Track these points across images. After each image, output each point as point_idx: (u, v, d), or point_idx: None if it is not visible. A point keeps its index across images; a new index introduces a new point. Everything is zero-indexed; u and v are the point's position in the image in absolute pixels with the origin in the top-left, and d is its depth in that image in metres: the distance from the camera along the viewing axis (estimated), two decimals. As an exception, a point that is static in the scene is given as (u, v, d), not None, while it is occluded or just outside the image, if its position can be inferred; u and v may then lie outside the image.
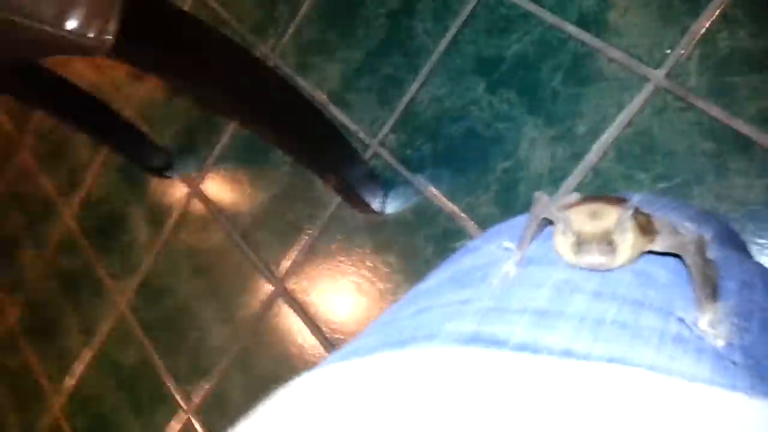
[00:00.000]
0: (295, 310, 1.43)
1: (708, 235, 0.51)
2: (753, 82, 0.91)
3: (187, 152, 1.70)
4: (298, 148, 1.18)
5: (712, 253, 0.39)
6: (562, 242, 0.39)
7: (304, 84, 1.49)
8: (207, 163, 1.65)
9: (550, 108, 1.11)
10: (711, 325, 0.32)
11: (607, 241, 0.36)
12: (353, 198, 1.29)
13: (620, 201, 0.39)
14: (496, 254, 0.44)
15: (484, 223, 1.16)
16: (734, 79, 0.93)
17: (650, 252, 0.38)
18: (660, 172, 0.98)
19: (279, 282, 1.47)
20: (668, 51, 1.00)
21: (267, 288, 1.49)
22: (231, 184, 1.61)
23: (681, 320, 0.34)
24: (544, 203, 0.45)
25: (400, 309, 0.44)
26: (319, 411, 0.31)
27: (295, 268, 1.44)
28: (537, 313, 0.36)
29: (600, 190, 1.04)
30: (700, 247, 0.36)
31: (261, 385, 1.44)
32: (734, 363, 0.31)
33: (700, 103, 0.95)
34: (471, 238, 1.17)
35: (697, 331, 0.32)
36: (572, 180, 1.07)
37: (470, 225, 1.18)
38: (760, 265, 0.45)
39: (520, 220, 0.53)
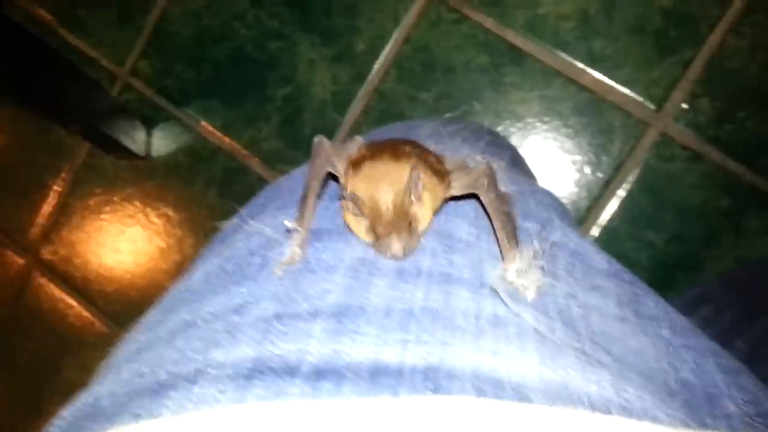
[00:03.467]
0: (57, 284, 1.19)
1: (502, 163, 0.47)
2: (521, -9, 0.89)
3: None
4: (18, 90, 0.91)
5: (506, 186, 0.37)
6: (354, 223, 0.34)
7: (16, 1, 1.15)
8: None
9: (324, 23, 0.99)
10: (519, 274, 0.30)
11: (404, 226, 0.31)
12: (106, 142, 1.06)
13: (407, 147, 0.35)
14: (274, 231, 0.36)
15: (271, 159, 1.04)
16: (504, -11, 0.90)
17: (450, 199, 0.35)
18: (442, 90, 0.95)
19: (30, 252, 1.19)
20: (439, -44, 0.93)
21: (16, 261, 1.21)
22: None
23: (493, 291, 0.30)
24: (324, 154, 0.38)
25: (157, 321, 0.34)
26: None
27: (48, 234, 1.18)
28: (333, 313, 0.29)
29: (385, 113, 0.97)
30: (492, 180, 0.33)
31: (32, 379, 1.20)
32: (556, 341, 0.27)
33: (473, 14, 0.92)
34: (257, 176, 1.05)
35: (508, 286, 0.29)
36: (357, 104, 0.98)
37: (255, 162, 1.05)
38: (549, 194, 0.43)
39: (296, 178, 0.44)
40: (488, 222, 0.35)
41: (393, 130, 0.51)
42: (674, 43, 0.85)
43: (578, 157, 0.90)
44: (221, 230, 0.43)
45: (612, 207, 0.88)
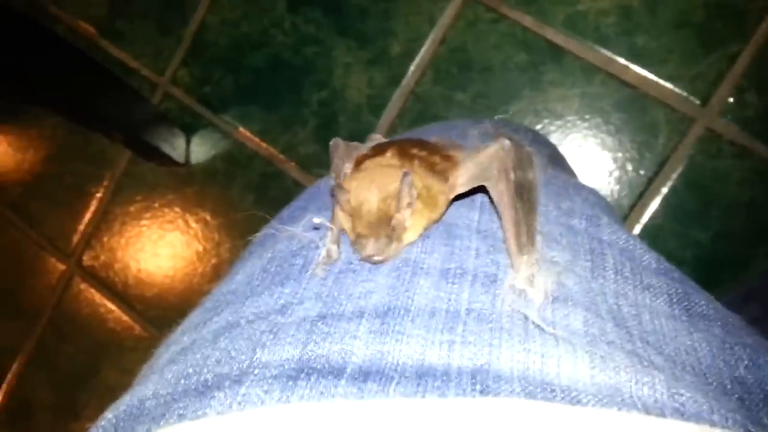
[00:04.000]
0: (97, 289, 1.21)
1: (539, 155, 0.46)
2: (559, -12, 0.89)
3: None
4: (61, 101, 0.93)
5: (542, 171, 0.37)
6: (343, 219, 0.34)
7: (58, 13, 1.18)
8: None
9: (359, 27, 1.00)
10: (528, 281, 0.29)
11: (383, 231, 0.31)
12: (146, 150, 1.08)
13: (413, 149, 0.35)
14: (308, 234, 0.36)
15: (307, 164, 1.04)
16: (542, -14, 0.90)
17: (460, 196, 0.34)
18: (478, 90, 0.94)
19: (71, 258, 1.22)
20: (475, -43, 0.93)
21: (58, 267, 1.24)
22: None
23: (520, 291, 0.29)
24: (339, 155, 0.40)
25: (200, 322, 0.34)
26: None
27: (89, 240, 1.21)
28: (377, 313, 0.28)
29: (421, 115, 0.97)
30: (504, 164, 0.32)
31: (71, 383, 1.22)
32: (607, 342, 0.26)
33: (511, 13, 0.91)
34: (294, 181, 1.05)
35: (519, 295, 0.28)
36: (393, 107, 0.98)
37: (291, 167, 1.06)
38: (594, 191, 0.42)
39: (322, 186, 0.44)
40: (545, 220, 0.35)
41: (428, 131, 0.51)
42: (719, 36, 0.83)
43: (621, 155, 0.88)
44: (261, 233, 0.43)
45: (656, 204, 0.86)
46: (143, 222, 1.16)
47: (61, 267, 1.24)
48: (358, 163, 0.36)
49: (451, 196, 0.34)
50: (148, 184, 1.15)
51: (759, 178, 0.83)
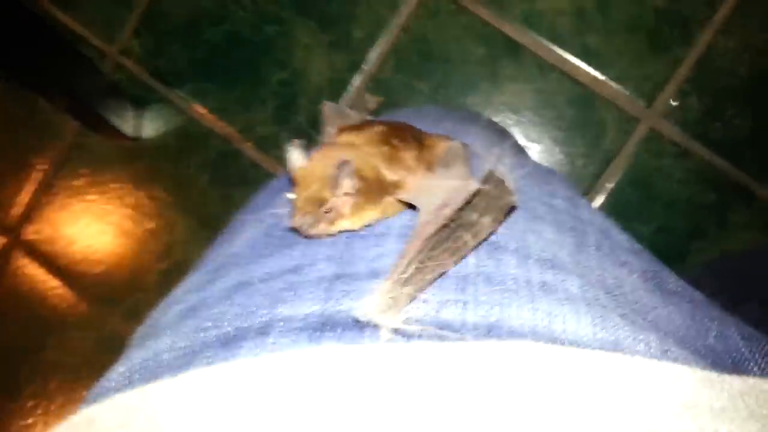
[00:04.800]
0: (39, 264, 1.16)
1: (507, 160, 0.48)
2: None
3: None
4: (7, 62, 0.88)
5: (515, 171, 0.36)
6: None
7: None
8: None
9: (322, 8, 0.99)
10: (378, 309, 0.28)
11: (314, 210, 0.31)
12: (95, 122, 1.04)
13: (398, 136, 0.35)
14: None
15: (264, 145, 1.04)
16: (504, -18, 0.91)
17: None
18: (438, 80, 0.96)
19: (12, 232, 1.17)
20: (440, -53, 0.94)
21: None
22: None
23: (544, 261, 0.30)
24: (328, 116, 0.40)
25: (205, 282, 0.34)
26: None
27: (31, 214, 1.16)
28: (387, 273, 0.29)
29: (383, 102, 0.98)
30: (445, 204, 0.31)
31: (12, 359, 1.18)
32: (602, 306, 0.28)
33: (471, 6, 0.93)
34: (251, 161, 1.04)
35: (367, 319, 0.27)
36: (354, 92, 0.99)
37: (247, 147, 1.04)
38: (563, 176, 0.44)
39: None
40: (528, 198, 0.35)
41: (401, 115, 0.52)
42: (666, 41, 0.88)
43: (571, 150, 0.92)
44: (254, 200, 0.44)
45: (601, 199, 0.91)
46: (90, 197, 1.13)
47: (1, 240, 1.18)
48: (339, 132, 0.36)
49: (397, 197, 0.33)
50: (95, 157, 1.12)
51: (697, 178, 0.89)
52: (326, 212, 0.32)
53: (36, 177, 1.15)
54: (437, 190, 0.31)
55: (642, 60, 0.88)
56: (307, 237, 0.32)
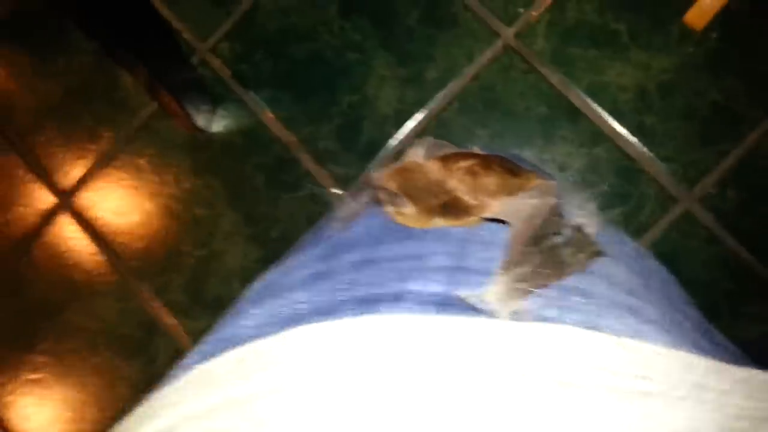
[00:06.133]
0: (83, 229, 1.22)
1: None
2: (591, 56, 0.99)
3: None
4: (107, 30, 0.96)
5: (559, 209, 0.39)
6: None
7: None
8: (-32, 33, 1.28)
9: (403, 46, 1.08)
10: (496, 296, 0.31)
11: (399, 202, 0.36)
12: (173, 107, 1.12)
13: (490, 165, 0.38)
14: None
15: (323, 158, 1.10)
16: (576, 50, 0.99)
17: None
18: (498, 130, 1.03)
19: (64, 194, 1.23)
20: (521, 10, 1.03)
21: (48, 199, 1.24)
22: (7, 68, 1.28)
23: (628, 290, 0.34)
24: (430, 149, 0.42)
25: (328, 256, 0.37)
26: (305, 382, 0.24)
27: (89, 182, 1.22)
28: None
29: (440, 138, 1.04)
30: (534, 213, 0.35)
31: (35, 314, 1.22)
32: (676, 333, 0.32)
33: (543, 69, 1.01)
34: (306, 172, 1.11)
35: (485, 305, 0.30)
36: (416, 125, 1.06)
37: (306, 158, 1.11)
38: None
39: None
40: (605, 240, 0.38)
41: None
42: (717, 133, 0.94)
43: (609, 216, 0.97)
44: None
45: (631, 268, 0.95)
46: (147, 175, 1.19)
47: (52, 200, 1.24)
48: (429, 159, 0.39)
49: (480, 216, 0.36)
50: (163, 140, 1.19)
51: (721, 265, 0.94)
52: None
53: (100, 148, 1.22)
54: (521, 206, 0.35)
55: (691, 146, 0.95)
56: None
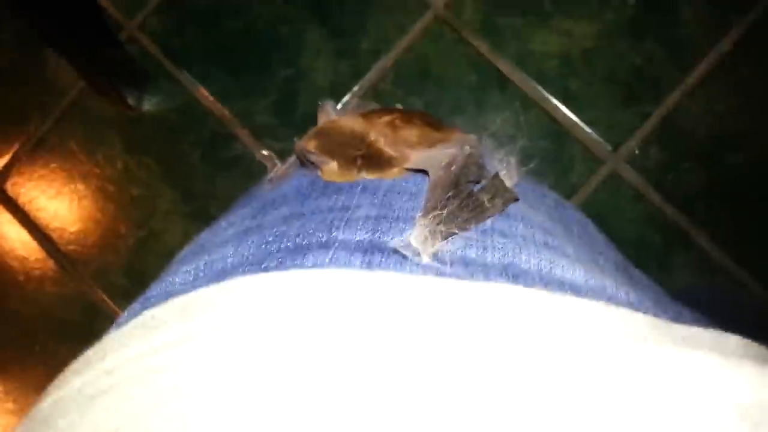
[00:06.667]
0: (14, 215, 1.18)
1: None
2: (517, 24, 1.01)
3: None
4: (33, 8, 0.93)
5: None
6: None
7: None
8: None
9: (336, 19, 1.08)
10: (417, 240, 0.32)
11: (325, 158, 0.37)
12: (102, 86, 1.09)
13: (398, 114, 0.40)
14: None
15: (259, 133, 1.10)
16: (502, 20, 1.02)
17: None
18: (430, 99, 1.04)
19: (-6, 181, 1.19)
20: (450, -18, 1.04)
21: (-25, 188, 1.20)
22: None
23: (544, 230, 0.36)
24: (329, 114, 0.45)
25: (256, 213, 0.38)
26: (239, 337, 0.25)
27: (18, 166, 1.18)
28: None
29: (376, 110, 1.06)
30: (451, 161, 0.36)
31: (-34, 305, 1.18)
32: (592, 267, 0.34)
33: (471, 38, 1.03)
34: (244, 146, 1.10)
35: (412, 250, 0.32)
36: (352, 97, 1.06)
37: (243, 133, 1.10)
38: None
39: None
40: (523, 191, 0.40)
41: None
42: (638, 96, 0.98)
43: (539, 179, 1.00)
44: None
45: (562, 228, 0.99)
46: (79, 156, 1.16)
47: (-21, 187, 1.20)
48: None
49: (401, 167, 0.38)
50: (92, 120, 1.16)
51: (648, 221, 0.98)
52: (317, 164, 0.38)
53: (28, 130, 1.18)
54: (440, 156, 0.36)
55: (615, 109, 0.99)
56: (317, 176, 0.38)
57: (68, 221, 1.16)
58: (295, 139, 0.40)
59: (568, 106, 1.00)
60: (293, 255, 0.30)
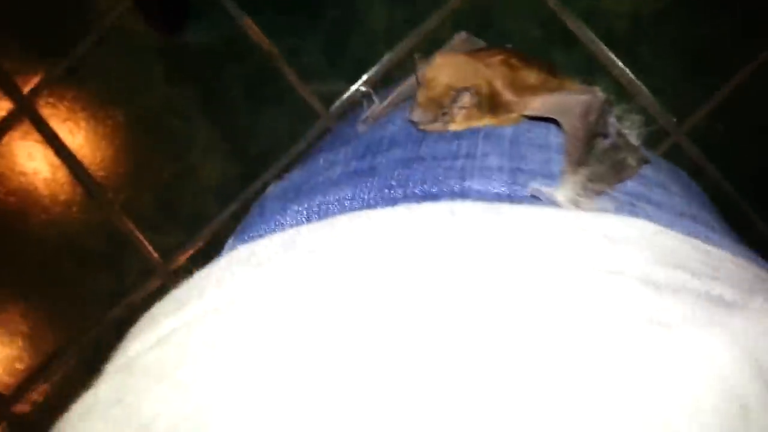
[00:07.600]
0: (45, 137, 1.14)
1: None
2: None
3: None
4: None
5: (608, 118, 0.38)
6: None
7: None
8: None
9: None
10: (567, 197, 0.31)
11: (432, 111, 0.34)
12: (146, 7, 1.05)
13: (520, 60, 0.37)
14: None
15: (306, 73, 1.05)
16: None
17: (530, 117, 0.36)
18: (490, 52, 1.00)
19: (24, 100, 1.15)
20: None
21: (5, 105, 1.16)
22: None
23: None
24: (461, 45, 0.43)
25: (365, 153, 0.35)
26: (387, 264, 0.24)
27: (51, 86, 1.14)
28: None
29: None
30: (586, 111, 0.33)
31: (-10, 224, 1.15)
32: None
33: (539, -9, 0.98)
34: (289, 86, 1.06)
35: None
36: (406, 43, 1.02)
37: (289, 72, 1.06)
38: None
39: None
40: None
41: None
42: (708, 68, 0.94)
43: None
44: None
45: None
46: (118, 82, 1.12)
47: (9, 105, 1.16)
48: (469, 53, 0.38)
49: (521, 113, 0.35)
50: (134, 44, 1.11)
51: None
52: (443, 114, 0.35)
53: (65, 50, 1.14)
54: (573, 103, 0.34)
55: (682, 79, 0.94)
56: (422, 130, 0.35)
57: (100, 147, 1.13)
58: (415, 55, 0.37)
59: (634, 72, 0.96)
60: (424, 202, 0.28)
